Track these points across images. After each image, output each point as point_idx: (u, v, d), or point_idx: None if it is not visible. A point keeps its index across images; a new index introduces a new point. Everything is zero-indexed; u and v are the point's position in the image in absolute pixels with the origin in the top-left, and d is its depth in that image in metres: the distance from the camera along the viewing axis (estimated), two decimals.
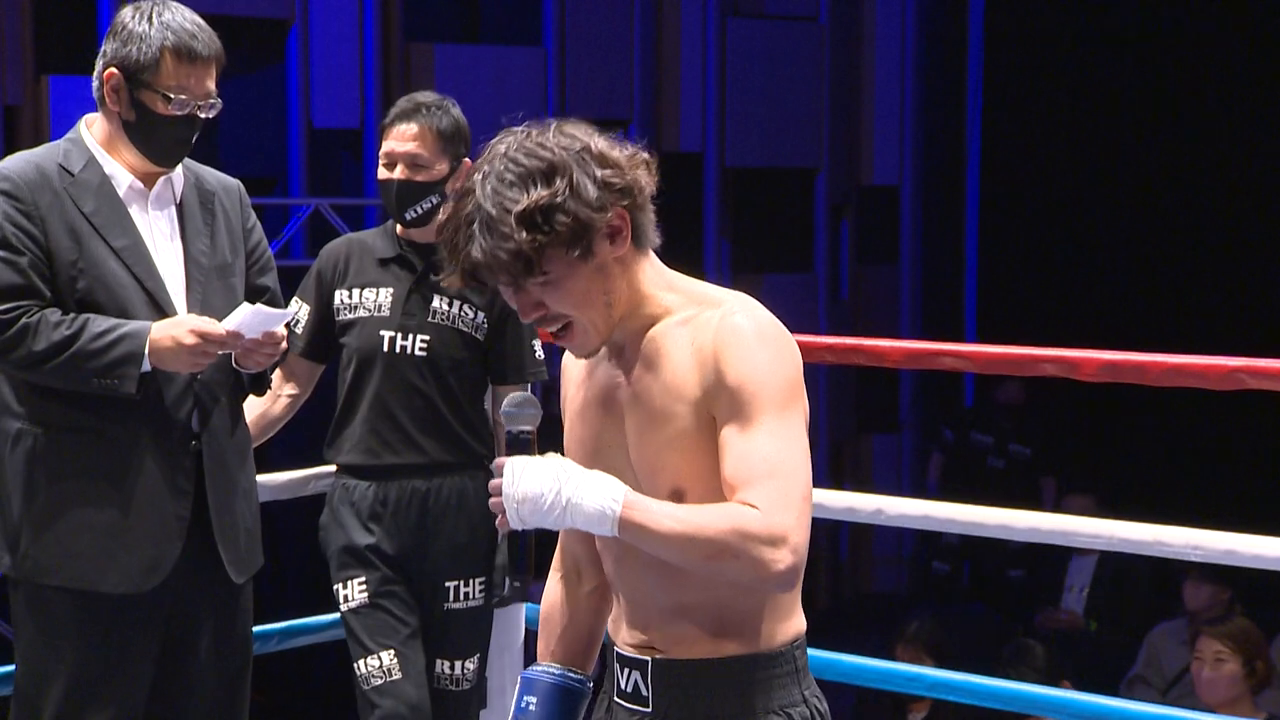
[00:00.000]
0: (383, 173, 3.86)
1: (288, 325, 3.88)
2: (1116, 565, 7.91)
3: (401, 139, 3.85)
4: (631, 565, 2.27)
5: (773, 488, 2.09)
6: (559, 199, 2.13)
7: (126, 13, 3.24)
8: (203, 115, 3.25)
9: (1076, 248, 11.11)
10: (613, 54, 10.33)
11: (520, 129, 2.23)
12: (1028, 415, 9.49)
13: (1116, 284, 10.84)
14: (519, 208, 2.12)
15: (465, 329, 3.89)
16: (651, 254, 2.26)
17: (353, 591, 3.85)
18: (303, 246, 9.61)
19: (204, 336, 3.12)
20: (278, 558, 9.03)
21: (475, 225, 2.13)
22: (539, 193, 2.13)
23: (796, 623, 2.28)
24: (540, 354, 3.93)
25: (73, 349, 3.07)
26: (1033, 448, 9.44)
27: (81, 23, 8.73)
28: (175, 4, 3.27)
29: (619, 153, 2.20)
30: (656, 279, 2.25)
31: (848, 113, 11.79)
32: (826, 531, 10.66)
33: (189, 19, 3.24)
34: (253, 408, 3.86)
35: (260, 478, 3.75)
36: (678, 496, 2.18)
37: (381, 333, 3.87)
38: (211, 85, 3.25)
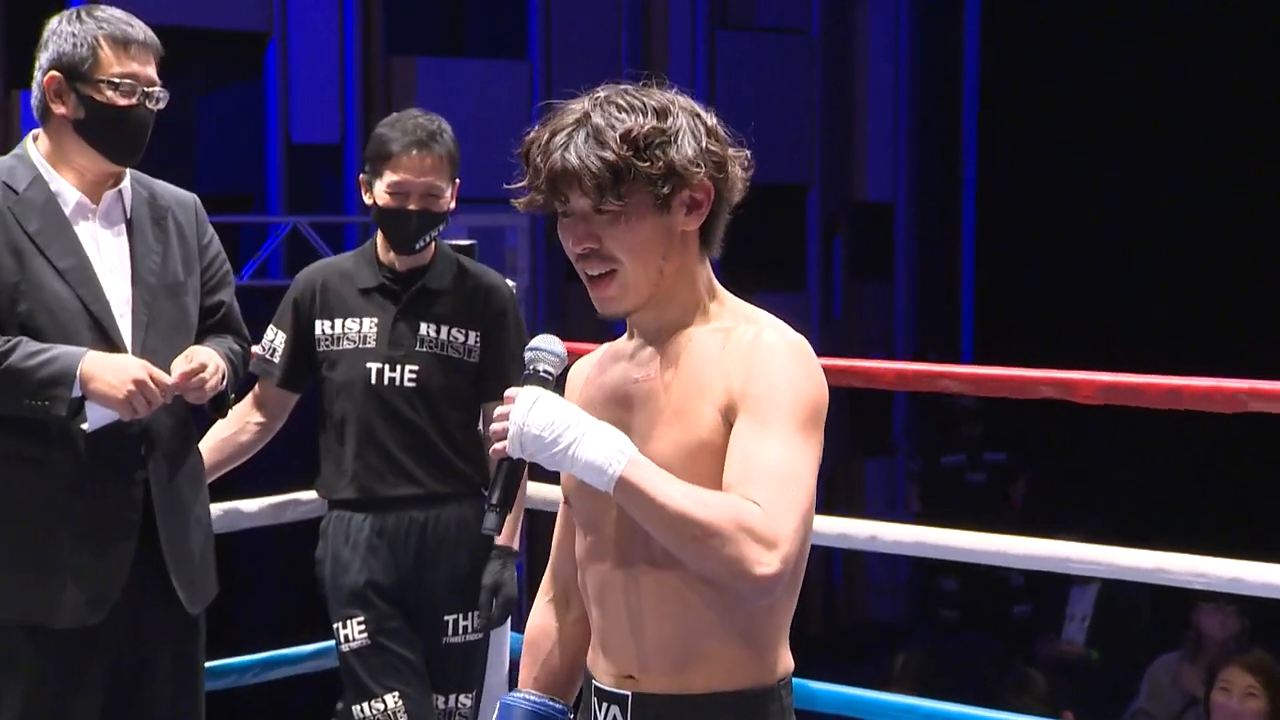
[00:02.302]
0: (389, 202, 3.79)
1: (262, 356, 3.88)
2: (1119, 594, 7.91)
3: (418, 171, 3.79)
4: (615, 594, 2.26)
5: (777, 493, 2.10)
6: (664, 136, 2.18)
7: (53, 21, 3.22)
8: (151, 106, 3.22)
9: (1075, 265, 11.12)
10: (599, 67, 10.33)
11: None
12: (995, 420, 9.53)
13: (1116, 302, 10.85)
14: (625, 126, 2.17)
15: (456, 354, 3.86)
16: (709, 262, 2.30)
17: (353, 632, 3.82)
18: (280, 265, 9.61)
19: (142, 387, 3.09)
20: (249, 587, 9.02)
21: (576, 133, 2.17)
22: (649, 121, 2.18)
23: (785, 661, 2.27)
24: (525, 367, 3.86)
25: (3, 367, 3.05)
26: (1007, 451, 9.50)
27: None
28: (104, 5, 3.26)
29: (725, 138, 2.26)
30: (707, 284, 2.28)
31: (840, 127, 11.80)
32: (819, 558, 10.65)
33: (120, 13, 3.23)
34: (220, 434, 3.83)
35: (235, 504, 3.74)
36: None
37: (368, 365, 3.83)
38: (155, 74, 3.22)
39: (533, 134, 2.22)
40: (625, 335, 2.32)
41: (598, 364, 2.34)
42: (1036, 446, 9.68)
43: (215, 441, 3.82)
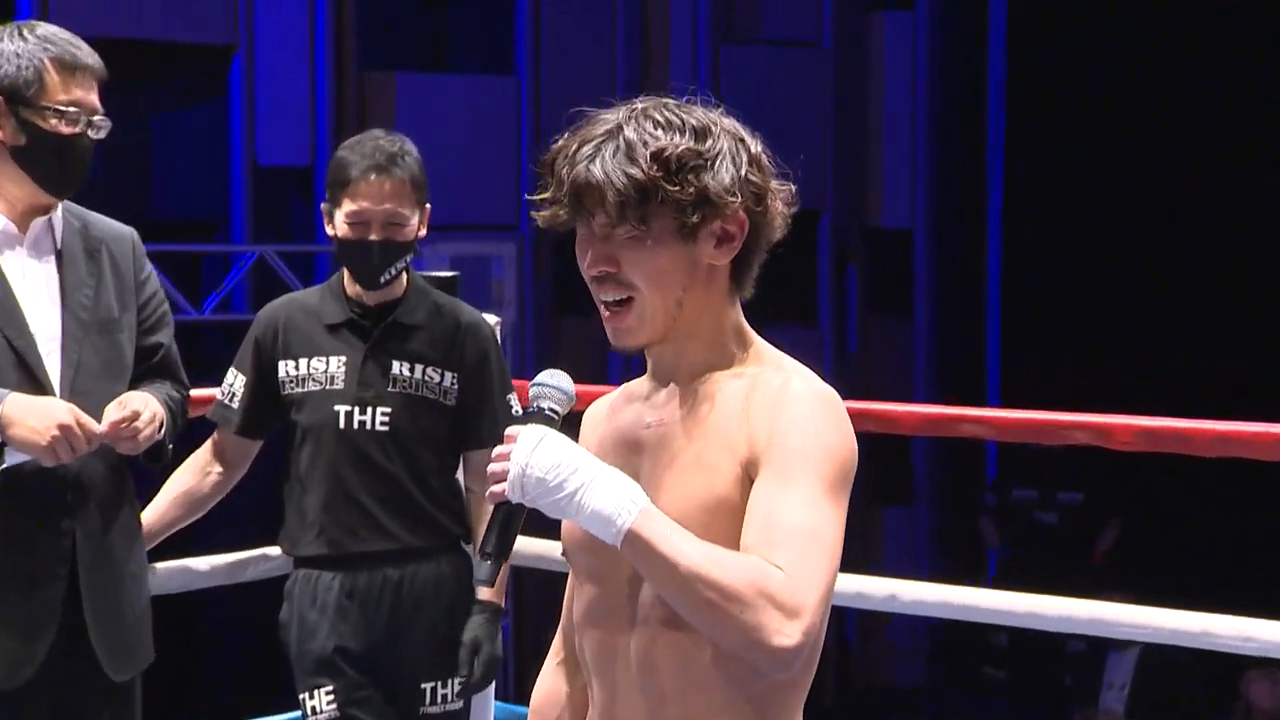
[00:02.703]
0: (349, 232, 3.80)
1: (222, 401, 3.87)
2: (1160, 659, 7.87)
3: (377, 197, 3.79)
4: (618, 662, 2.24)
5: (802, 557, 2.08)
6: (700, 159, 2.18)
7: None
8: (93, 135, 3.21)
9: (1112, 299, 11.10)
10: (594, 84, 10.35)
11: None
12: (1074, 454, 9.42)
13: (1157, 340, 10.82)
14: (659, 144, 2.17)
15: (432, 395, 3.85)
16: (739, 305, 2.30)
17: (320, 703, 3.80)
18: (246, 299, 9.60)
19: (68, 433, 3.07)
20: (208, 652, 8.98)
21: (605, 145, 2.18)
22: (685, 141, 2.19)
23: None
24: (518, 409, 3.88)
25: None
26: (1086, 492, 9.38)
27: None
28: (45, 23, 3.25)
29: (769, 168, 2.27)
30: (735, 326, 2.28)
31: (854, 147, 11.82)
32: (832, 617, 10.60)
33: (64, 33, 3.22)
34: (176, 486, 3.83)
35: (188, 562, 3.72)
36: None
37: (336, 407, 3.83)
38: (98, 101, 3.22)
39: (560, 142, 2.23)
40: (646, 376, 2.32)
41: (611, 406, 2.34)
42: (1127, 488, 9.55)
43: (172, 494, 3.82)
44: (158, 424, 3.25)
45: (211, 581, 3.95)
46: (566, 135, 2.23)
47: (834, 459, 2.16)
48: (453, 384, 3.85)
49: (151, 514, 3.75)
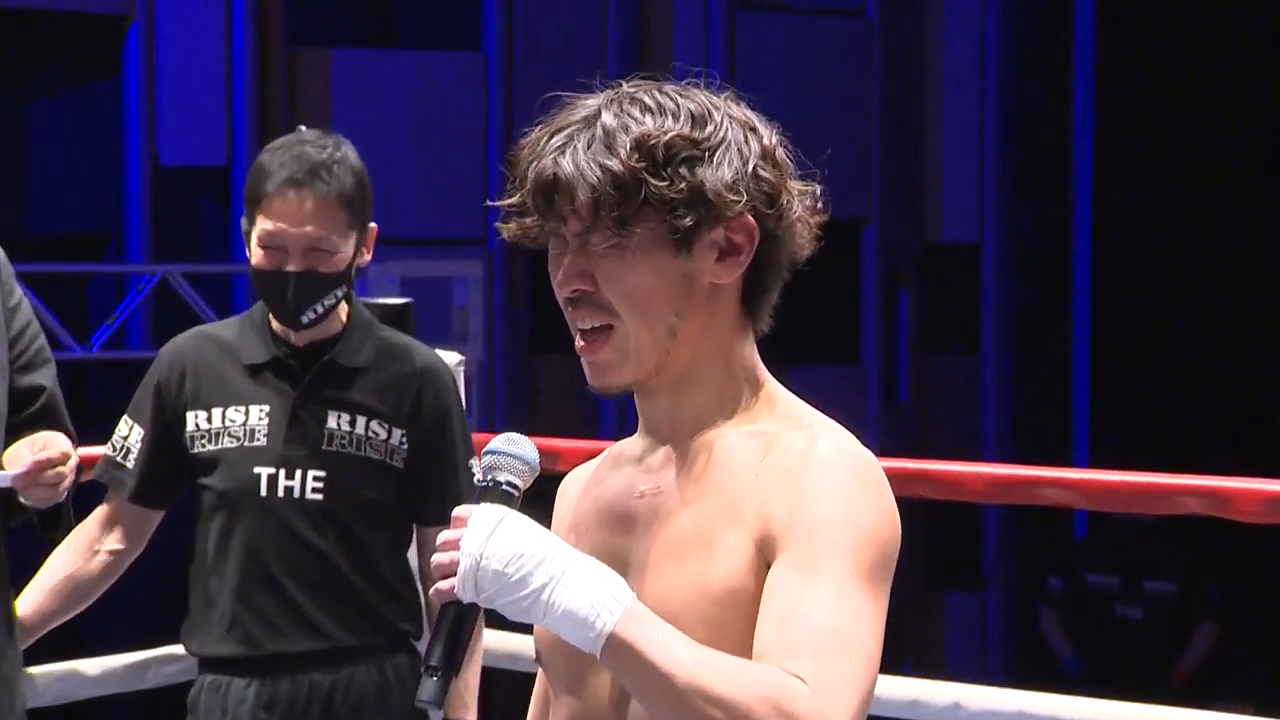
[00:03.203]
0: (261, 259, 3.80)
1: (112, 458, 3.87)
2: None
3: (292, 218, 3.78)
4: None
5: (829, 664, 2.08)
6: (695, 149, 2.19)
7: None
8: None
9: (1229, 336, 11.11)
10: (579, 59, 10.39)
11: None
12: (1165, 535, 9.42)
13: None
14: (642, 130, 2.18)
15: (376, 455, 3.86)
16: (753, 339, 2.29)
17: None
18: (144, 332, 9.62)
19: None
20: None
21: (580, 134, 2.19)
22: (674, 126, 2.19)
23: None
24: (480, 477, 3.86)
25: None
26: (1179, 581, 9.38)
27: None
28: None
29: (786, 165, 2.26)
30: (747, 368, 2.28)
31: (906, 142, 11.86)
32: None
33: None
34: (57, 568, 3.82)
35: (75, 665, 3.72)
36: None
37: (256, 469, 3.84)
38: None
39: (530, 135, 2.24)
40: (638, 433, 2.31)
41: (596, 473, 2.35)
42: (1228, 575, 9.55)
43: (50, 580, 3.81)
44: (73, 476, 3.27)
45: (102, 689, 3.95)
46: (538, 127, 2.24)
47: (871, 540, 2.15)
48: (401, 442, 3.86)
49: (26, 605, 3.75)
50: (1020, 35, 12.03)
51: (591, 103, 2.22)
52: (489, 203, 2.25)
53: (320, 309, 3.82)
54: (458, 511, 2.13)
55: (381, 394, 3.86)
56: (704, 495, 2.21)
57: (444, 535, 2.12)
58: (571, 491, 2.37)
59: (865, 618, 2.12)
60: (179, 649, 4.05)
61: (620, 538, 2.24)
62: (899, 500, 2.25)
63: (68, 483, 3.25)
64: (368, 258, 3.88)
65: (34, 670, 3.89)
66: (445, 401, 3.90)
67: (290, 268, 3.77)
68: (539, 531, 2.10)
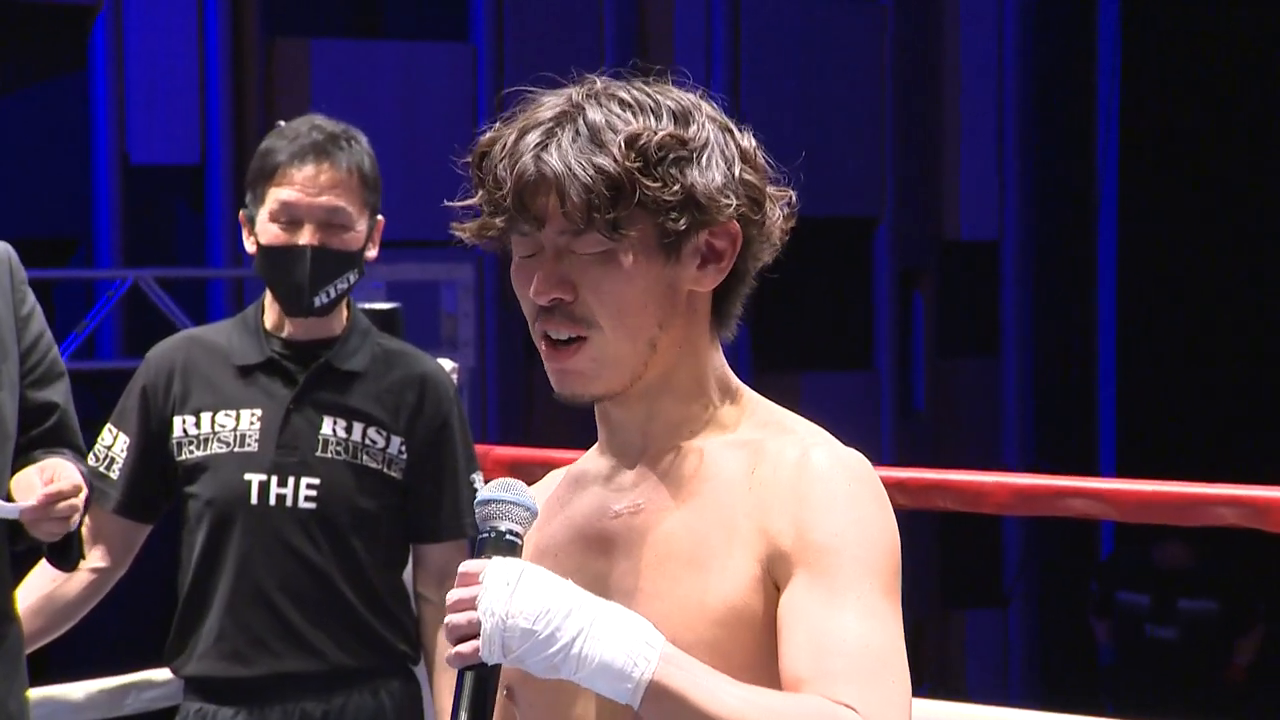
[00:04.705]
0: (274, 235, 3.78)
1: (95, 469, 3.87)
2: None
3: (309, 187, 3.77)
4: None
5: (873, 687, 2.09)
6: (685, 150, 2.19)
7: None
8: None
9: (1260, 336, 11.11)
10: (572, 49, 10.39)
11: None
12: (1204, 554, 9.37)
13: None
14: (632, 128, 2.17)
15: (374, 464, 3.86)
16: (719, 346, 2.29)
17: None
18: (115, 340, 9.62)
19: None
20: None
21: (560, 129, 2.18)
22: (665, 126, 2.19)
23: None
24: (479, 526, 3.85)
25: None
26: (1220, 599, 9.35)
27: None
28: None
29: (763, 167, 2.26)
30: (719, 376, 2.28)
31: (921, 135, 11.86)
32: None
33: None
34: (38, 587, 3.82)
35: (56, 690, 3.73)
36: None
37: (247, 476, 3.84)
38: None
39: (492, 132, 2.23)
40: (595, 447, 2.31)
41: (556, 494, 2.33)
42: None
43: (31, 599, 3.81)
44: (84, 508, 3.29)
45: (85, 717, 3.95)
46: (498, 124, 2.23)
47: (884, 551, 2.16)
48: (400, 451, 3.86)
49: None
50: (1041, 20, 12.03)
51: (556, 100, 2.21)
52: (446, 202, 2.26)
53: (334, 292, 3.80)
54: (465, 567, 2.09)
55: (380, 401, 3.86)
56: (692, 511, 2.20)
57: (455, 594, 2.08)
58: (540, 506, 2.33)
59: (894, 633, 2.14)
60: (160, 673, 4.06)
61: (599, 561, 2.23)
62: (918, 513, 2.28)
63: (79, 516, 3.26)
64: (374, 253, 3.88)
65: None
66: (446, 411, 3.89)
67: (304, 241, 3.77)
68: (558, 582, 2.07)
